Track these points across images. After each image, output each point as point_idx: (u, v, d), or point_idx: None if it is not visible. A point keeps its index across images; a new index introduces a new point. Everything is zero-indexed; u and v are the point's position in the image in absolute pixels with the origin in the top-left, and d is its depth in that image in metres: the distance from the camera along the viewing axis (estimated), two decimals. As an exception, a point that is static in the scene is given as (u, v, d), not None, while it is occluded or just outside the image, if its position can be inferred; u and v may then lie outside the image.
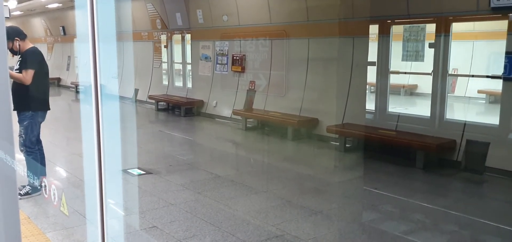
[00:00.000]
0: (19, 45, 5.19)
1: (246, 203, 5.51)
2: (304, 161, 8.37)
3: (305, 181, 6.72)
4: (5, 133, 2.19)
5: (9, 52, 5.15)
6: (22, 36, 5.25)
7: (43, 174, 4.85)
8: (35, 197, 5.22)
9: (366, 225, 5.00)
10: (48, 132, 7.05)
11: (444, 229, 4.89)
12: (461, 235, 4.79)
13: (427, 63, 7.96)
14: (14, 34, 5.17)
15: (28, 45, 5.31)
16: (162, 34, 14.15)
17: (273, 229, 4.65)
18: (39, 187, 5.09)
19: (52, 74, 20.60)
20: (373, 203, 5.66)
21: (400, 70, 9.74)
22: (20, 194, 5.08)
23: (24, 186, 5.19)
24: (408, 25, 8.04)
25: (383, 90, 8.44)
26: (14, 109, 5.13)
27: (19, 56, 5.25)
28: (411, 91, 15.39)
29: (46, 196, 2.09)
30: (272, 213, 5.19)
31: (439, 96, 7.58)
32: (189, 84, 13.57)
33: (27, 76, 5.10)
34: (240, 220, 4.94)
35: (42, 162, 5.41)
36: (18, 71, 5.17)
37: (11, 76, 5.08)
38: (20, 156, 5.18)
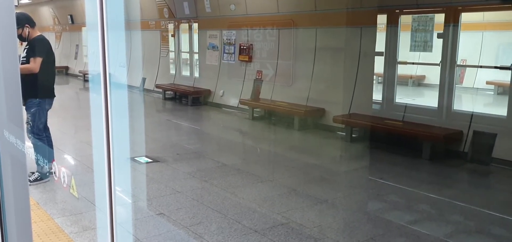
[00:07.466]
0: (29, 32, 5.23)
1: (252, 192, 5.55)
2: (310, 150, 8.38)
3: (311, 170, 6.75)
4: (15, 118, 2.23)
5: (18, 39, 5.18)
6: (32, 23, 5.29)
7: (52, 159, 4.91)
8: (44, 184, 5.30)
9: (371, 214, 5.02)
10: (56, 120, 7.13)
11: (449, 220, 4.89)
12: (466, 226, 4.80)
13: (436, 53, 7.91)
14: (25, 21, 5.21)
15: (36, 33, 5.35)
16: (169, 23, 14.15)
17: (278, 217, 4.68)
18: (47, 174, 5.19)
19: (60, 63, 20.78)
20: (378, 193, 5.68)
21: (408, 61, 9.70)
22: (29, 181, 5.16)
23: (33, 173, 5.26)
24: (417, 15, 7.99)
25: (390, 80, 8.41)
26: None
27: (26, 44, 5.29)
28: (419, 82, 15.31)
29: (56, 178, 2.13)
30: (278, 201, 5.22)
31: (447, 87, 7.54)
32: (196, 74, 13.59)
33: (36, 64, 5.14)
34: (246, 208, 4.99)
35: (50, 148, 5.48)
36: (25, 59, 5.21)
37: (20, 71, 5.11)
38: (28, 143, 5.25)
